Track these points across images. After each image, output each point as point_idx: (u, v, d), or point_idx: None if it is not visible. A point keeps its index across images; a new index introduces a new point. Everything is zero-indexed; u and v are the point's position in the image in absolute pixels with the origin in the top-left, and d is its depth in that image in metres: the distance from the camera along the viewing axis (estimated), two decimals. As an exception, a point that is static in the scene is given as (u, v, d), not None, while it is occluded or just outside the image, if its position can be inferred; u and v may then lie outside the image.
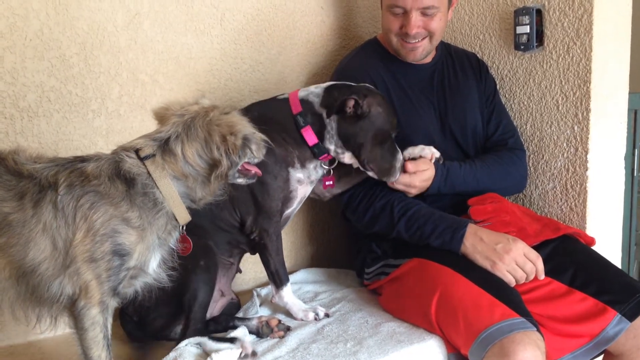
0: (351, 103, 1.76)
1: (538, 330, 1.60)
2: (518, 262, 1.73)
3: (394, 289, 1.93)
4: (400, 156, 1.85)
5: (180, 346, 1.57)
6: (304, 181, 1.86)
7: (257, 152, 1.44)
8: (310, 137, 1.80)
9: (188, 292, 1.65)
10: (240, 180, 1.50)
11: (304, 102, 1.82)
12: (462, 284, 1.71)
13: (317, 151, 1.82)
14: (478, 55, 2.30)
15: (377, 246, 2.02)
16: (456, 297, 1.69)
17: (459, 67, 2.17)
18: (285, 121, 1.81)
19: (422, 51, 2.02)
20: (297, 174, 1.83)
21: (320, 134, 1.81)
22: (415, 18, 1.93)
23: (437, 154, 1.93)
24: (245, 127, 1.43)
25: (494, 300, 1.64)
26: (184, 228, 1.45)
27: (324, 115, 1.80)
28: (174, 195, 1.37)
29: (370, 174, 1.85)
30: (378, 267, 2.02)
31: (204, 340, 1.60)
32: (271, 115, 1.81)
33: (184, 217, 1.41)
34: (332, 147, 1.82)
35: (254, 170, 1.50)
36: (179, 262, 1.61)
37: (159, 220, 1.38)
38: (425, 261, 1.84)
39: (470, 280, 1.70)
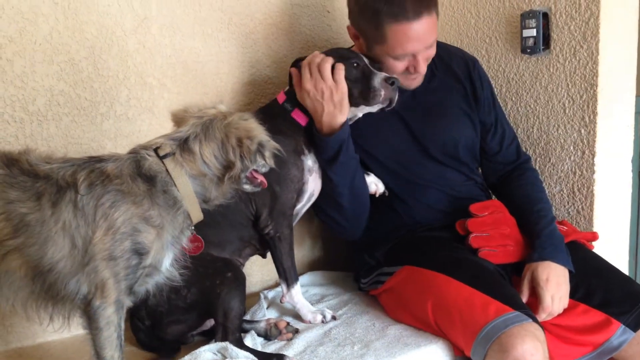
0: (294, 73, 1.84)
1: (535, 320, 1.60)
2: None
3: (392, 298, 1.93)
4: (379, 75, 1.81)
5: (198, 350, 1.56)
6: (313, 169, 1.88)
7: (269, 159, 1.46)
8: (301, 118, 1.86)
9: (221, 304, 1.65)
10: (247, 187, 1.51)
11: (289, 91, 1.89)
12: (454, 286, 1.71)
13: (311, 129, 1.85)
14: (484, 58, 2.30)
15: (369, 257, 2.03)
16: (450, 301, 1.70)
17: (440, 74, 2.04)
18: (282, 113, 1.87)
19: (422, 77, 1.96)
20: (307, 161, 1.87)
21: None
22: (423, 58, 1.86)
23: (381, 189, 1.96)
24: (262, 133, 1.45)
25: (487, 298, 1.64)
26: (193, 228, 1.47)
27: None
28: (190, 194, 1.39)
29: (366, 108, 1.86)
30: (373, 276, 2.02)
31: (228, 346, 1.58)
32: (270, 113, 1.88)
33: (198, 215, 1.43)
34: None
35: (261, 179, 1.52)
36: (206, 277, 1.66)
37: (178, 218, 1.39)
38: (415, 269, 1.84)
39: (461, 282, 1.71)
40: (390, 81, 1.80)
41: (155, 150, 1.40)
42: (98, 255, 1.30)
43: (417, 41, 1.80)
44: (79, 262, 1.31)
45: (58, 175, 1.33)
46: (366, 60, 1.84)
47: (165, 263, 1.41)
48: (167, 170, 1.38)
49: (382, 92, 1.80)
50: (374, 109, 1.85)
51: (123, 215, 1.32)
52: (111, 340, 1.34)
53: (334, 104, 1.78)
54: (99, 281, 1.32)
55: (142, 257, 1.34)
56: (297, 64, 1.88)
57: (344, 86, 1.79)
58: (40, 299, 1.35)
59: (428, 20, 1.79)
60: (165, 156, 1.38)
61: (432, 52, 1.89)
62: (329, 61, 1.79)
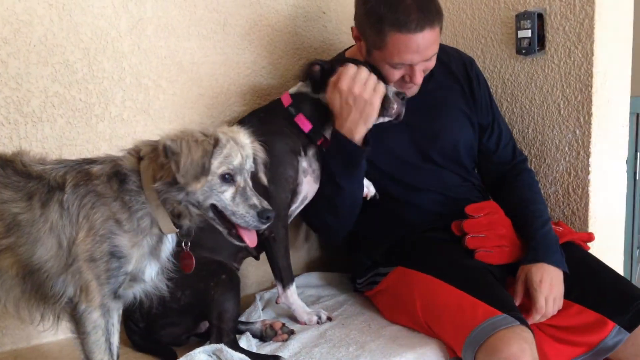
0: (316, 68, 1.84)
1: (523, 322, 1.61)
2: None
3: (386, 299, 1.94)
4: (390, 89, 1.84)
5: (193, 352, 1.56)
6: (308, 171, 1.90)
7: (181, 168, 1.28)
8: (304, 124, 1.87)
9: (216, 306, 1.64)
10: (221, 228, 1.39)
11: (295, 95, 1.91)
12: (444, 289, 1.73)
13: (313, 135, 1.88)
14: (479, 59, 2.30)
15: (366, 257, 2.03)
16: (439, 303, 1.72)
17: (439, 74, 2.02)
18: (284, 115, 1.89)
19: (418, 88, 1.97)
20: (303, 162, 1.89)
21: (316, 117, 1.87)
22: (420, 69, 1.87)
23: (372, 192, 1.97)
24: (181, 136, 1.31)
25: (476, 300, 1.65)
26: (188, 245, 1.45)
27: (319, 96, 1.87)
28: (154, 198, 1.34)
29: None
30: (369, 277, 2.03)
31: (223, 347, 1.57)
32: (273, 113, 1.91)
33: (167, 225, 1.37)
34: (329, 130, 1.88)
35: (244, 235, 1.39)
36: (200, 279, 1.64)
37: (144, 221, 1.35)
38: (407, 270, 1.86)
39: (451, 285, 1.72)
40: (400, 96, 1.82)
41: (140, 150, 1.37)
42: (80, 256, 1.31)
43: (415, 53, 1.81)
44: (64, 262, 1.31)
45: (50, 176, 1.33)
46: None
47: (149, 273, 1.39)
48: (139, 170, 1.35)
49: (395, 106, 1.82)
50: (384, 120, 1.86)
51: (101, 217, 1.31)
52: (99, 344, 1.34)
53: (362, 114, 1.80)
54: (83, 283, 1.31)
55: (122, 261, 1.33)
56: (312, 66, 1.88)
57: (378, 103, 1.80)
58: (31, 298, 1.36)
59: (430, 34, 1.79)
60: (143, 157, 1.36)
61: (431, 64, 1.90)
62: (375, 78, 1.81)
